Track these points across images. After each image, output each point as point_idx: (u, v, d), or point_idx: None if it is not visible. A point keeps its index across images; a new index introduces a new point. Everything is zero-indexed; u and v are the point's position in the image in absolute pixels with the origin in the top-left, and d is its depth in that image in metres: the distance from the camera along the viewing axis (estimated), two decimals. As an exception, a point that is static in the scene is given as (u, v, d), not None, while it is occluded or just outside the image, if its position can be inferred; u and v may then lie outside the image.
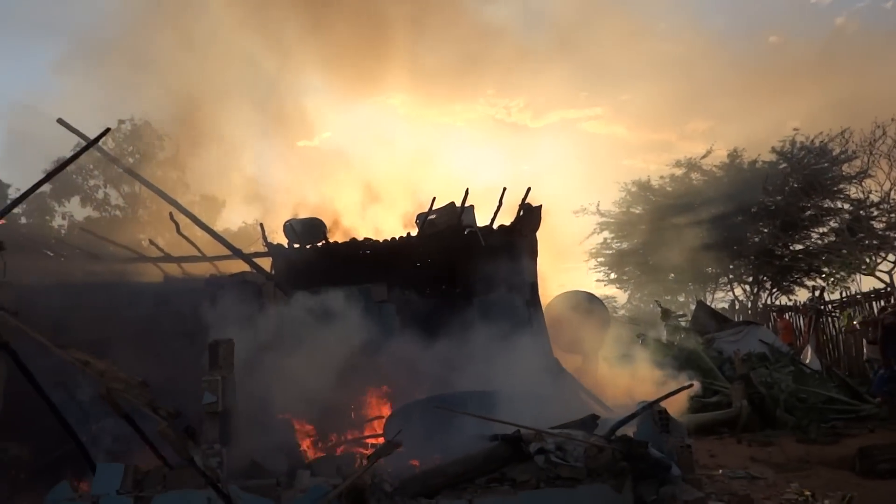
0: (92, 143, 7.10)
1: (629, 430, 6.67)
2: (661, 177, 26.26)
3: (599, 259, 28.17)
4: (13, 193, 22.11)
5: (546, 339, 9.77)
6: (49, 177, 6.67)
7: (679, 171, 25.79)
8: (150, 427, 6.06)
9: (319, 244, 10.50)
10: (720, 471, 8.58)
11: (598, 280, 28.44)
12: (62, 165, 7.04)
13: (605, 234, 27.56)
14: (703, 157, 25.25)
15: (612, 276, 28.40)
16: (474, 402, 7.14)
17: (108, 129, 6.78)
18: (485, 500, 5.79)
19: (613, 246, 27.87)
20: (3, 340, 5.83)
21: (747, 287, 26.02)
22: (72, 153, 22.17)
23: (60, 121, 9.27)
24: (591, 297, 12.34)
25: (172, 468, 5.80)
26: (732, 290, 26.63)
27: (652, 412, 6.66)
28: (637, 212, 26.43)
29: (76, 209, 23.15)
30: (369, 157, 18.24)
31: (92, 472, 5.98)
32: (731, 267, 25.75)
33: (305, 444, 8.42)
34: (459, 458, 6.15)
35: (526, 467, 6.05)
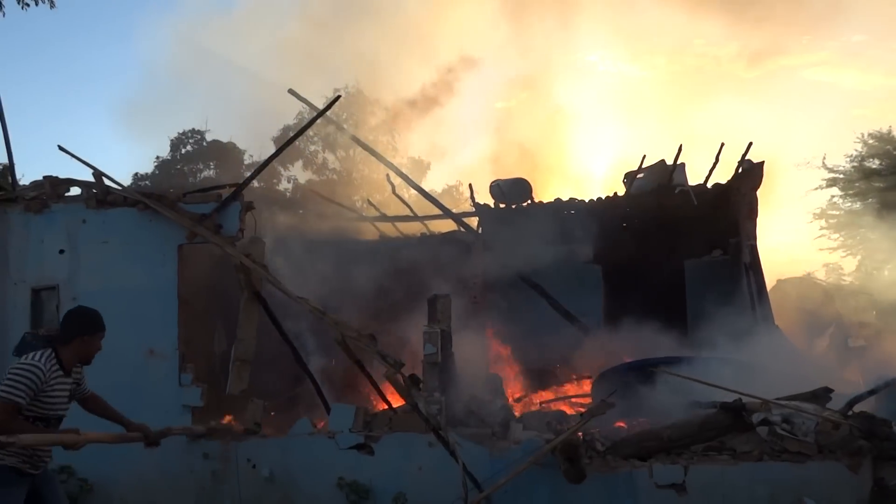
0: (322, 112, 7.69)
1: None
2: (906, 127, 23.10)
3: (822, 223, 25.47)
4: (247, 159, 24.78)
5: (767, 307, 9.10)
6: (290, 142, 7.36)
7: (929, 119, 22.50)
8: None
9: (525, 204, 10.60)
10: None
11: (820, 248, 25.73)
12: (300, 131, 7.76)
13: (833, 191, 24.85)
14: (960, 101, 21.81)
15: (839, 240, 25.58)
16: (684, 368, 6.88)
17: (338, 97, 7.32)
18: (702, 467, 5.61)
19: (842, 207, 25.06)
20: (256, 290, 6.59)
21: None
22: (295, 121, 24.09)
23: (291, 91, 10.13)
24: (825, 293, 11.33)
25: (397, 412, 6.27)
26: None
27: (897, 389, 6.00)
28: (873, 166, 23.50)
29: (298, 172, 25.33)
30: (571, 116, 17.88)
31: (326, 411, 6.64)
32: None
33: (513, 399, 8.67)
34: (675, 422, 5.99)
35: (748, 438, 5.75)
